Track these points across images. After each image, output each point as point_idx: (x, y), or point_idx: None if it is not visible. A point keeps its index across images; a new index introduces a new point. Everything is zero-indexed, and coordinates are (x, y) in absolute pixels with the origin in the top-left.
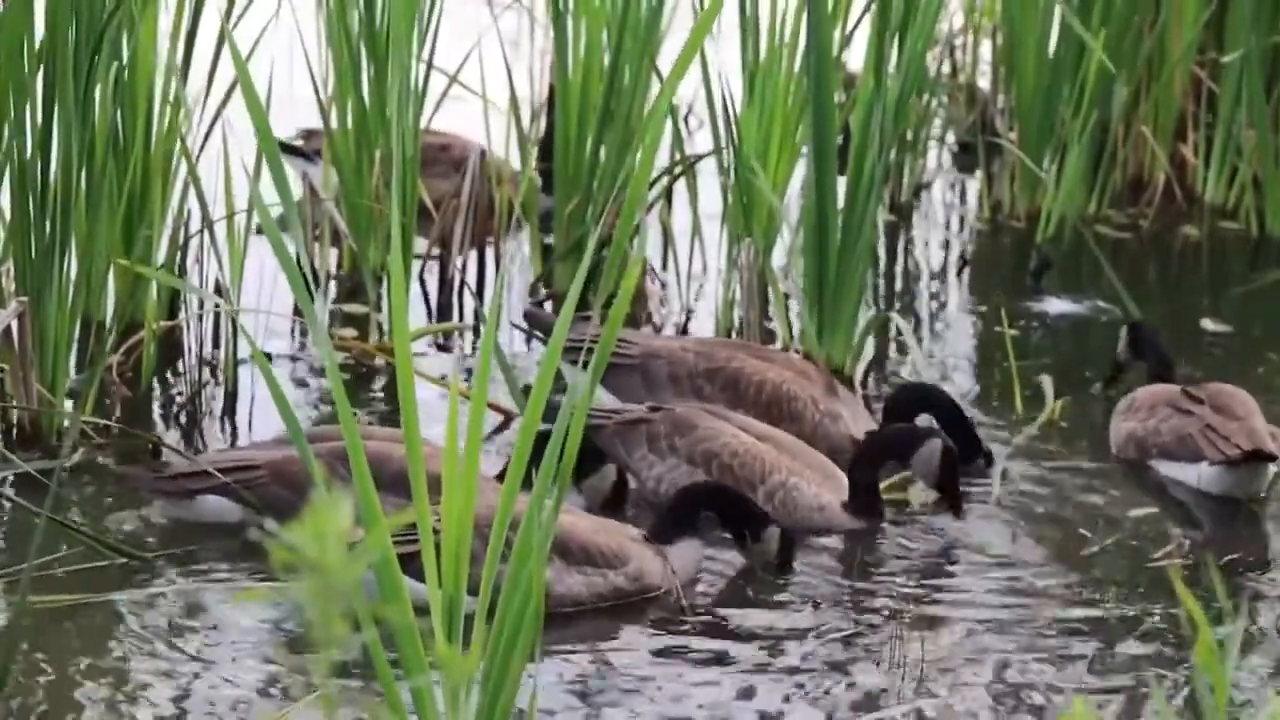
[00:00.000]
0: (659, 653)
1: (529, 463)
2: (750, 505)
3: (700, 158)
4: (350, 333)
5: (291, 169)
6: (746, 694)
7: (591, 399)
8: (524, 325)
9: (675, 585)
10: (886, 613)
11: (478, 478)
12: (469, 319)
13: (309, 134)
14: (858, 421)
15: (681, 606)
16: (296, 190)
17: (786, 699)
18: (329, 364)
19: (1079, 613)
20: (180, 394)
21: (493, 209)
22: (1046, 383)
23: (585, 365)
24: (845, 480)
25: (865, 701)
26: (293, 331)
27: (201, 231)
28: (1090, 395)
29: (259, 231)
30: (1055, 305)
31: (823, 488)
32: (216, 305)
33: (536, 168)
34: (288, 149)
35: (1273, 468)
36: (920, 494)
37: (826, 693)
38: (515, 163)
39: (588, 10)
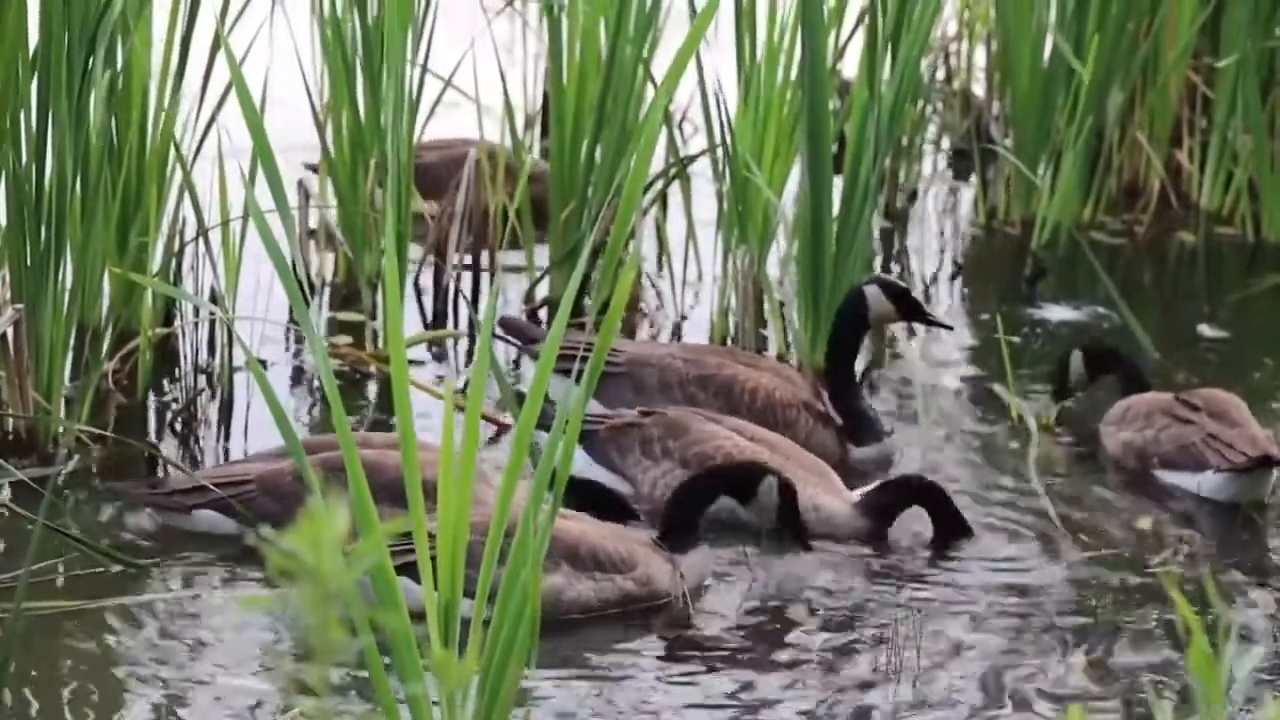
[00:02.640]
0: (656, 656)
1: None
2: (741, 464)
3: (694, 157)
4: (345, 340)
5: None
6: (744, 701)
7: (584, 408)
8: (501, 332)
9: (683, 591)
10: (883, 619)
11: (473, 485)
12: (464, 326)
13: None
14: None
15: (687, 612)
16: (292, 197)
17: (783, 705)
18: (324, 372)
19: (1075, 619)
20: (176, 401)
21: (488, 216)
22: (1017, 402)
23: (571, 373)
24: (839, 482)
25: (862, 708)
26: (288, 338)
27: (197, 239)
28: (1089, 400)
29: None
30: (1055, 312)
31: (817, 488)
32: (212, 313)
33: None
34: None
35: (1275, 473)
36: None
37: (823, 699)
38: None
39: (582, 15)
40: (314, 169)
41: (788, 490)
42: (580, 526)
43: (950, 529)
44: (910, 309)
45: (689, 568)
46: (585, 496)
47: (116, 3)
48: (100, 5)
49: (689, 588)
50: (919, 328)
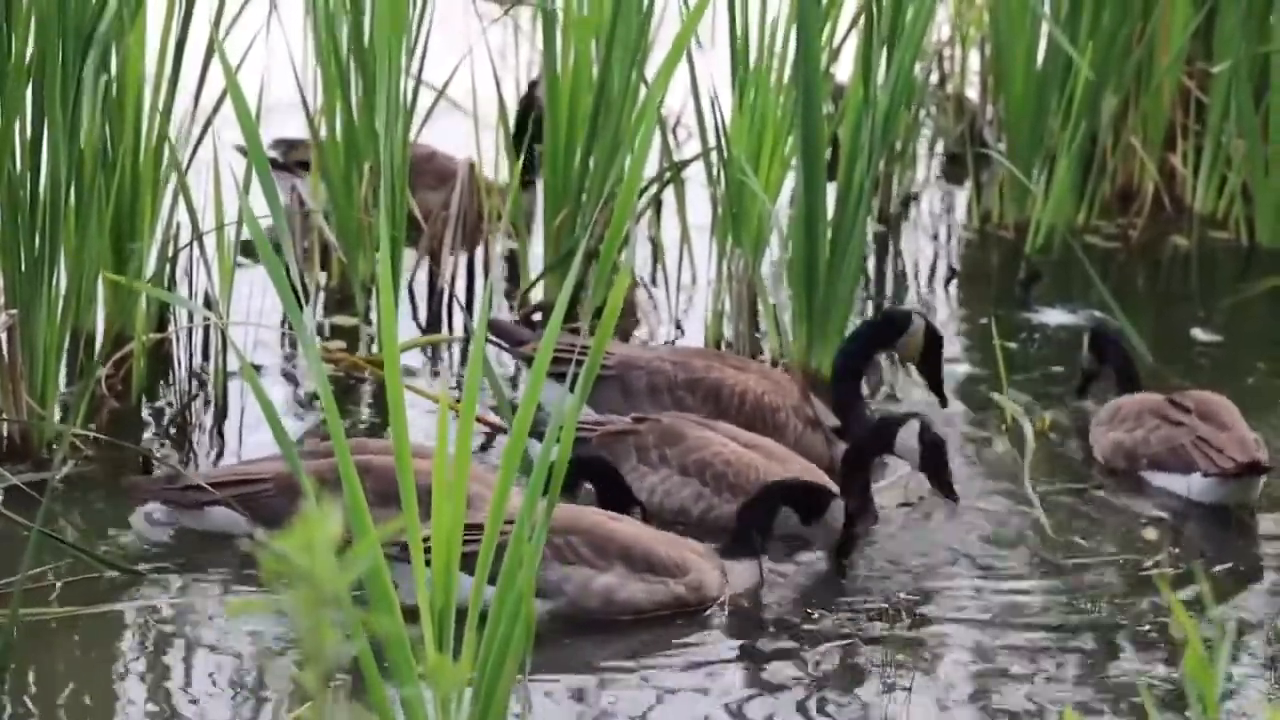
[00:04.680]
0: (649, 661)
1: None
2: (810, 484)
3: (688, 162)
4: (339, 344)
5: (279, 181)
6: (735, 704)
7: (578, 413)
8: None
9: (724, 596)
10: (877, 621)
11: (466, 489)
12: (459, 330)
13: (289, 146)
14: (829, 426)
15: (720, 614)
16: (285, 202)
17: (775, 708)
18: (318, 376)
19: (1070, 622)
20: (170, 406)
21: (482, 221)
22: (1011, 405)
23: (564, 377)
24: (833, 486)
25: (854, 711)
26: (282, 343)
27: (191, 244)
28: (1080, 405)
29: (247, 248)
30: (1050, 315)
31: None
32: (206, 318)
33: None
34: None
35: (1263, 479)
36: (912, 492)
37: (816, 699)
38: (503, 174)
39: (577, 22)
40: (288, 144)
41: (851, 516)
42: (635, 530)
43: (923, 449)
44: (931, 358)
45: (735, 575)
46: (589, 475)
47: (111, 8)
48: (95, 10)
49: (731, 594)
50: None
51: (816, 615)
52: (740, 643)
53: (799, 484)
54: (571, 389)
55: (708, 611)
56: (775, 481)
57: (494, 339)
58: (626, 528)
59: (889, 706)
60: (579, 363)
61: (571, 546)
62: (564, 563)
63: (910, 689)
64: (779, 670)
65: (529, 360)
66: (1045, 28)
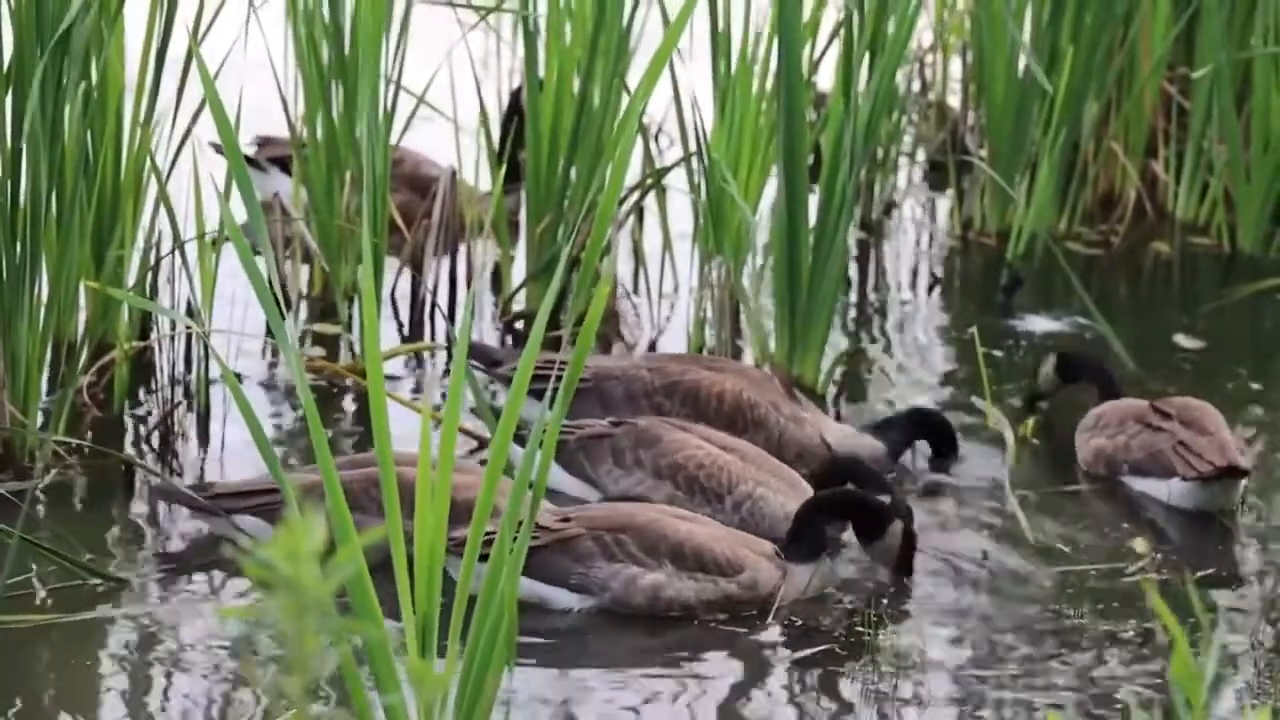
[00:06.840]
0: (632, 665)
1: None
2: (873, 502)
3: (670, 168)
4: (320, 353)
5: (261, 186)
6: (721, 708)
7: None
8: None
9: (778, 598)
10: (860, 628)
11: (449, 498)
12: (441, 339)
13: (262, 141)
14: (820, 422)
15: (765, 615)
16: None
17: (754, 712)
18: (301, 385)
19: (1054, 629)
20: (152, 414)
21: (464, 228)
22: (993, 411)
23: (543, 396)
24: (810, 490)
25: (834, 715)
26: (265, 351)
27: (173, 252)
28: (1063, 410)
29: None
30: (1035, 323)
31: (789, 497)
32: (188, 326)
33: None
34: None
35: (1243, 482)
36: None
37: (799, 707)
38: (485, 182)
39: (557, 31)
40: (262, 139)
41: (911, 538)
42: (690, 527)
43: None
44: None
45: (794, 577)
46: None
47: (90, 14)
48: (74, 18)
49: (788, 599)
50: (893, 346)
51: (797, 618)
52: (722, 645)
53: (858, 498)
54: (551, 406)
55: (759, 610)
56: (837, 490)
57: (472, 362)
58: (683, 526)
59: (870, 711)
60: (559, 379)
61: (621, 544)
62: (611, 560)
63: (892, 694)
64: (758, 675)
65: (507, 381)
66: (1026, 34)
